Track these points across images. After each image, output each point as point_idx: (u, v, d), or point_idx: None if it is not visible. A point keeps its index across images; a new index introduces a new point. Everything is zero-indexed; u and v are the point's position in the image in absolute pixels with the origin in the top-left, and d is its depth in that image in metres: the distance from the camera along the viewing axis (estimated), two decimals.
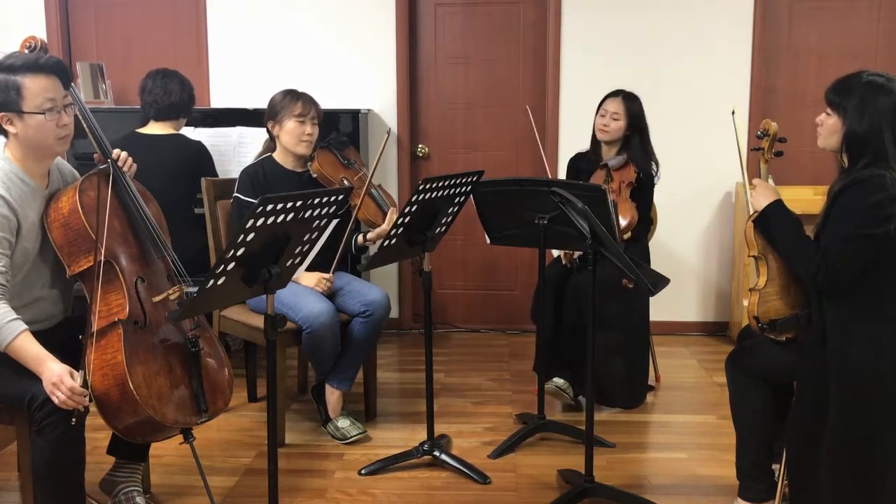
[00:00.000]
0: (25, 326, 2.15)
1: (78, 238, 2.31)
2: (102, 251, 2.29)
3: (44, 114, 2.22)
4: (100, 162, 2.46)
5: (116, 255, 2.36)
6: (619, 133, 3.56)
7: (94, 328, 2.27)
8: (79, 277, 2.34)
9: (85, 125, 2.46)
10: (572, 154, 3.82)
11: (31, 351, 2.14)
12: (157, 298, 2.38)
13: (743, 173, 2.65)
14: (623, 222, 3.38)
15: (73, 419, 2.09)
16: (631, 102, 3.57)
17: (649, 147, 3.61)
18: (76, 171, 2.55)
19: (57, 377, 2.07)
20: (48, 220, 2.32)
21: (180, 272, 2.47)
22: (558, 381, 3.51)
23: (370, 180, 3.25)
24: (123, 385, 2.20)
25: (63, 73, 2.29)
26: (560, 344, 3.49)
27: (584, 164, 3.71)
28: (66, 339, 2.32)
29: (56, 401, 2.07)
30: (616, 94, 3.60)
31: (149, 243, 2.45)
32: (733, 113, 2.76)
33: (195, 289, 2.08)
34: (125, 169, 2.46)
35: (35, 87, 2.21)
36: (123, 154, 2.47)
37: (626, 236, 3.38)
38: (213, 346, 2.55)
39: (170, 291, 2.40)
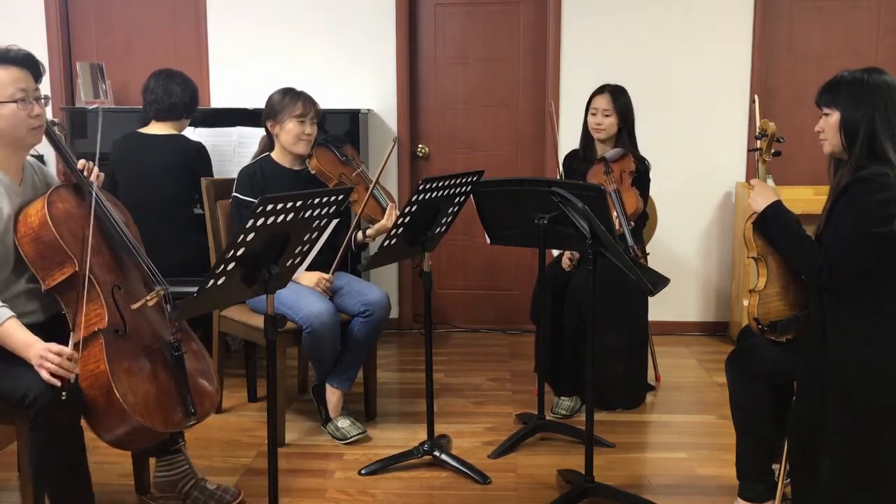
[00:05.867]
0: (12, 314, 2.18)
1: (50, 251, 2.29)
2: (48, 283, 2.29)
3: (16, 103, 2.24)
4: (67, 175, 2.47)
5: (91, 265, 2.31)
6: (614, 129, 3.55)
7: (74, 340, 2.26)
8: (55, 291, 2.31)
9: (50, 138, 2.44)
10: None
11: (19, 337, 2.16)
12: (135, 305, 2.36)
13: (757, 163, 2.59)
14: (629, 209, 3.38)
15: (63, 394, 2.08)
16: (618, 97, 3.54)
17: (634, 140, 3.61)
18: (56, 178, 2.58)
19: (44, 349, 2.10)
20: (17, 235, 2.30)
21: (156, 277, 2.45)
22: (566, 402, 3.49)
23: (376, 180, 3.25)
24: (109, 394, 2.19)
25: (34, 67, 2.32)
26: (560, 346, 3.49)
27: (576, 162, 3.71)
28: (55, 335, 2.31)
29: (45, 375, 2.08)
30: (602, 89, 3.58)
31: (122, 252, 2.44)
32: (753, 101, 2.74)
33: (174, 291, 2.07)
34: (91, 179, 2.44)
35: (7, 78, 2.24)
36: (89, 164, 2.48)
37: (632, 223, 3.38)
38: (196, 349, 2.55)
39: (148, 298, 2.36)
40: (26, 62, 2.29)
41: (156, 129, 3.70)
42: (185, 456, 2.61)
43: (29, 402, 2.12)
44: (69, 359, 2.10)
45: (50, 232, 2.28)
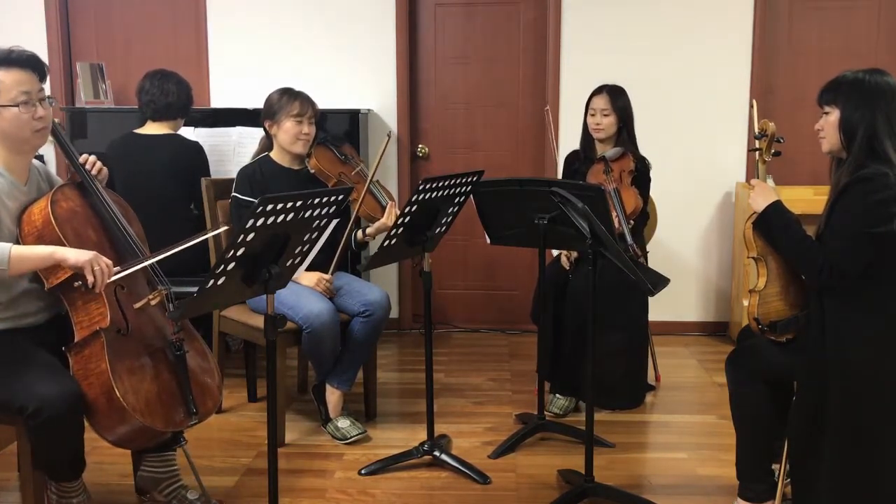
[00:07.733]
0: (10, 243, 2.17)
1: None
2: None
3: (18, 106, 2.22)
4: (72, 174, 2.47)
5: None
6: (613, 128, 3.56)
7: (76, 338, 2.27)
8: (58, 290, 2.30)
9: (55, 136, 2.44)
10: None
11: (38, 250, 2.17)
12: (137, 305, 2.35)
13: (757, 163, 2.59)
14: (628, 208, 3.38)
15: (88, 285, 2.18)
16: (616, 96, 3.55)
17: (635, 139, 3.62)
18: (59, 178, 2.57)
19: (93, 255, 2.15)
20: (22, 233, 2.30)
21: (159, 276, 2.44)
22: (560, 400, 3.49)
23: (371, 178, 3.25)
24: (110, 394, 2.19)
25: (38, 67, 2.30)
26: (561, 346, 3.49)
27: (577, 163, 3.71)
28: (55, 339, 2.32)
29: (89, 270, 2.14)
30: (600, 90, 3.59)
31: (125, 250, 2.43)
32: (752, 106, 2.74)
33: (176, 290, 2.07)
34: (94, 172, 2.45)
35: (9, 81, 2.22)
36: (92, 158, 2.47)
37: (631, 222, 3.38)
38: (199, 348, 2.55)
39: (150, 297, 2.35)
40: (29, 63, 2.27)
41: (152, 129, 3.70)
42: (176, 458, 2.57)
43: (29, 414, 2.11)
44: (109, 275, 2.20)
45: (53, 230, 2.28)
